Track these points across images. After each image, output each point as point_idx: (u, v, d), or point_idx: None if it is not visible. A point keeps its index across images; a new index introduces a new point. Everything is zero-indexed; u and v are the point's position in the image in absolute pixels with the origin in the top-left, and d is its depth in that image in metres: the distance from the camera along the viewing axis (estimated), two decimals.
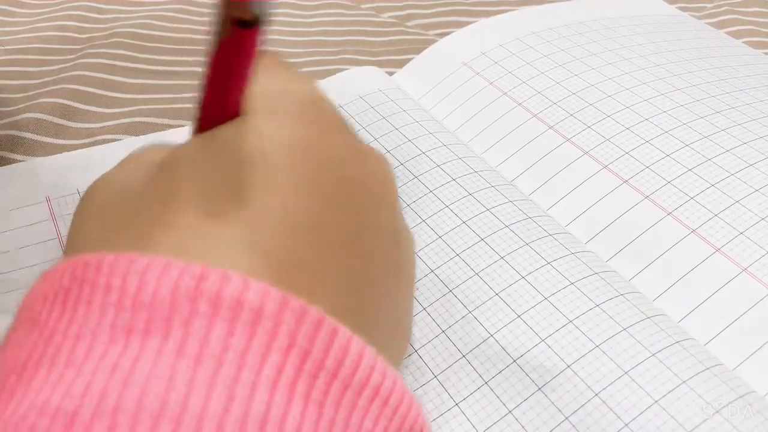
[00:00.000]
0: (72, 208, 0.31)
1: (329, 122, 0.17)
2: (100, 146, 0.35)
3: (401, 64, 0.42)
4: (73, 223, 0.17)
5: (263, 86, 0.17)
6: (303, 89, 0.18)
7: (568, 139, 0.33)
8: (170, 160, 0.16)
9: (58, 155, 0.34)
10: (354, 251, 0.16)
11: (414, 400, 0.15)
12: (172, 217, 0.14)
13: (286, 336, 0.12)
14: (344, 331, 0.13)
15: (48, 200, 0.31)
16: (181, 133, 0.35)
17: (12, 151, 0.35)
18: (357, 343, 0.13)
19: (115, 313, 0.12)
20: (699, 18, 0.47)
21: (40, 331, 0.13)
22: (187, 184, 0.15)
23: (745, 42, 0.43)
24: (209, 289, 0.12)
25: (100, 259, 0.13)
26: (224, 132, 0.16)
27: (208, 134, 0.16)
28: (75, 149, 0.35)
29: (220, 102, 0.16)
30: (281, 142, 0.16)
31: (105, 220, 0.16)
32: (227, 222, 0.14)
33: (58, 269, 0.13)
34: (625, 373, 0.22)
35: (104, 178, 0.17)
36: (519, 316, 0.24)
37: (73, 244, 0.17)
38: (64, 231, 0.30)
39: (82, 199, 0.17)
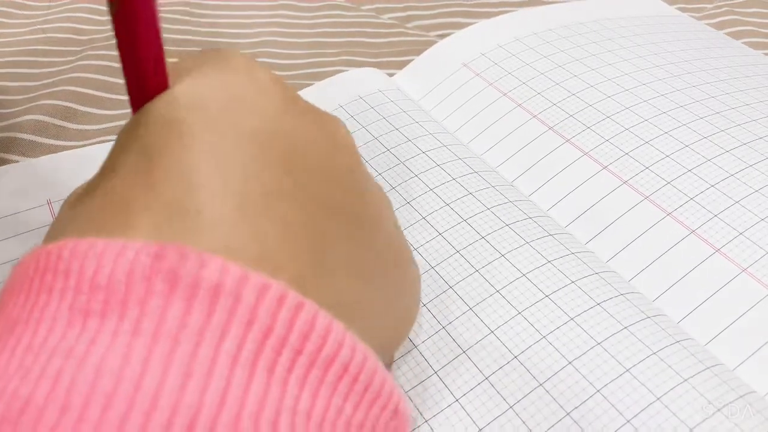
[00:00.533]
0: None
1: (262, 84, 0.17)
2: (98, 145, 0.35)
3: (401, 65, 0.42)
4: (50, 226, 0.18)
5: (189, 62, 0.17)
6: (234, 58, 0.17)
7: (567, 140, 0.33)
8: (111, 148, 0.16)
9: (57, 155, 0.34)
10: (297, 201, 0.16)
11: (388, 376, 0.14)
12: (109, 202, 0.15)
13: (247, 312, 0.12)
14: (310, 306, 0.13)
15: (49, 203, 0.31)
16: None
17: (12, 152, 0.35)
18: (324, 317, 0.13)
19: (73, 297, 0.12)
20: (699, 19, 0.47)
21: (5, 321, 0.13)
22: (116, 166, 0.15)
23: (745, 42, 0.44)
24: (165, 268, 0.12)
25: (62, 246, 0.13)
26: (146, 107, 0.16)
27: (136, 114, 0.16)
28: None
29: (140, 77, 0.15)
30: (199, 103, 0.15)
31: (69, 215, 0.16)
32: (149, 192, 0.14)
33: (24, 262, 0.14)
34: (627, 370, 0.22)
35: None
36: (520, 312, 0.24)
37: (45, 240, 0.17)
38: None
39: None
